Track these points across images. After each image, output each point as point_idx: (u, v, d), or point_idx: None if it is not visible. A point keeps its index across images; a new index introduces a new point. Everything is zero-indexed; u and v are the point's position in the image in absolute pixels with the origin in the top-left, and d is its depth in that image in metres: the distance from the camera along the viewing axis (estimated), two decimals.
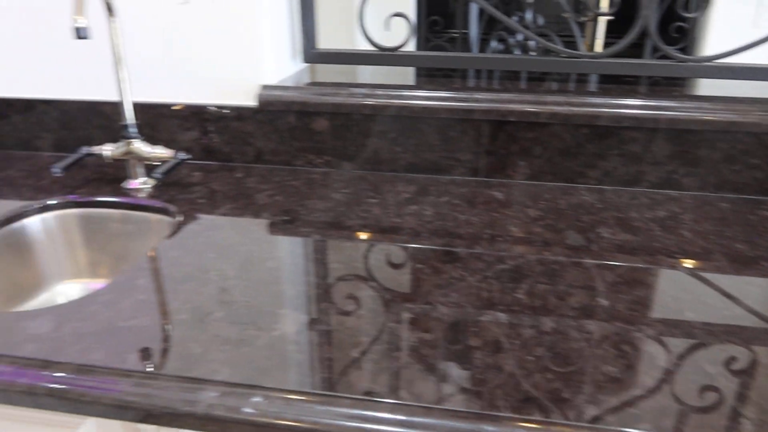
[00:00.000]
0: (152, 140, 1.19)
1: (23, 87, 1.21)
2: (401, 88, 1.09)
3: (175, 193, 1.03)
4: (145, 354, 0.62)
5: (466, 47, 2.77)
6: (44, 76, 1.20)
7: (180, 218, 0.94)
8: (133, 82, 1.16)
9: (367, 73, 1.25)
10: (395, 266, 0.79)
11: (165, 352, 0.62)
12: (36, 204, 1.00)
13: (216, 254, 0.82)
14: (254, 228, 0.91)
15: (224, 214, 0.95)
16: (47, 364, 0.61)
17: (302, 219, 0.94)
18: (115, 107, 1.19)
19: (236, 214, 0.95)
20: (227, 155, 1.18)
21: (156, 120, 1.17)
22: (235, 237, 0.88)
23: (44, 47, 1.17)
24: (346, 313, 0.69)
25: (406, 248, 0.85)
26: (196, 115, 1.16)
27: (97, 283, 1.04)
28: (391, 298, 0.72)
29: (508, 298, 0.72)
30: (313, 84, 1.13)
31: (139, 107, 1.16)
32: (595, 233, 0.89)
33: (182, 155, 1.04)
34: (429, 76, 1.22)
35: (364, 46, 1.21)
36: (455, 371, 0.60)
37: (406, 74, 1.24)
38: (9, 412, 0.66)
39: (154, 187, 1.06)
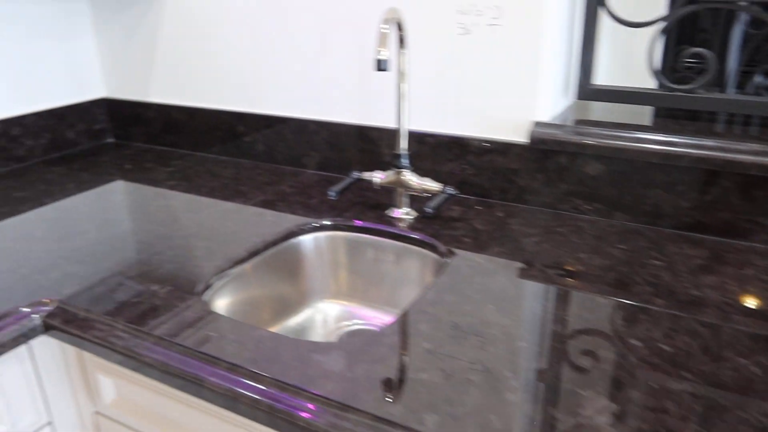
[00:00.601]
0: (412, 168, 1.19)
1: (300, 108, 1.29)
2: (699, 136, 0.95)
3: (438, 227, 1.01)
4: (442, 418, 0.58)
5: (721, 81, 2.47)
6: (318, 100, 1.26)
7: (448, 259, 0.91)
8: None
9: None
10: (710, 355, 0.67)
11: (463, 418, 0.58)
12: (313, 222, 1.04)
13: (495, 306, 0.77)
14: (529, 279, 0.84)
15: (491, 258, 0.90)
16: (345, 409, 0.60)
17: (580, 275, 0.85)
18: (380, 133, 1.21)
19: (504, 259, 0.90)
20: (485, 190, 1.14)
21: (417, 148, 1.17)
22: (512, 288, 0.82)
23: (320, 72, 1.24)
24: (663, 410, 0.59)
25: (717, 330, 0.72)
26: (458, 146, 1.13)
27: (354, 306, 1.06)
28: (715, 399, 0.60)
29: None
30: (590, 123, 1.04)
31: None
32: None
33: (450, 190, 1.01)
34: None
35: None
36: None
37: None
38: None
39: (416, 219, 1.05)
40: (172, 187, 1.24)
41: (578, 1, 1.11)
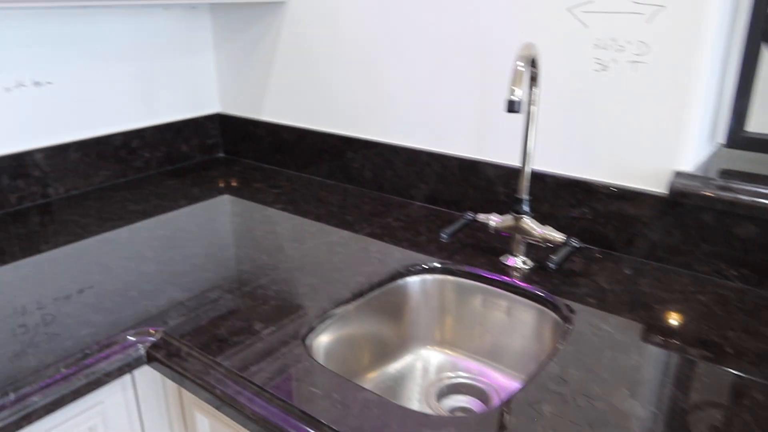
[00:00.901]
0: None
1: (412, 137, 1.24)
2: None
3: (558, 282, 0.92)
4: None
5: None
6: (432, 130, 1.21)
7: (570, 324, 0.82)
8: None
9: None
10: None
11: None
12: (422, 264, 0.98)
13: (630, 391, 0.68)
14: (668, 358, 0.74)
15: (621, 327, 0.80)
16: None
17: (730, 359, 0.73)
18: (496, 170, 1.13)
19: (636, 329, 0.80)
20: (610, 242, 1.03)
21: (534, 188, 1.09)
22: (648, 368, 0.72)
23: (435, 102, 1.18)
24: None
25: None
26: (582, 190, 1.04)
27: (458, 357, 0.99)
28: None
29: None
30: (740, 176, 0.91)
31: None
32: None
33: (574, 242, 0.92)
34: None
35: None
36: None
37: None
38: None
39: (532, 269, 0.96)
40: (279, 210, 1.22)
41: (737, 35, 0.98)
